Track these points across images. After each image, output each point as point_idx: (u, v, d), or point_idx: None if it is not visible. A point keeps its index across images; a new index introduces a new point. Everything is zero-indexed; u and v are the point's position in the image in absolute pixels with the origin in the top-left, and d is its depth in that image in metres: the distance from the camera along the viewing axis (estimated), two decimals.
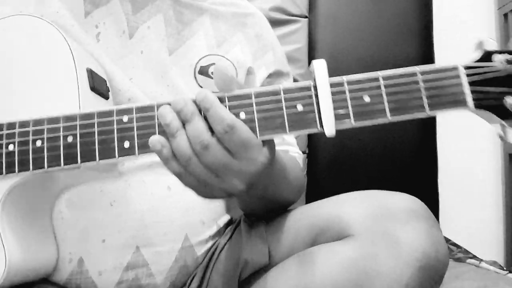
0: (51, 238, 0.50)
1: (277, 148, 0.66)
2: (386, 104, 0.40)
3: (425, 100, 0.40)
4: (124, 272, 0.53)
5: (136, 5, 0.59)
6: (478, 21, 1.48)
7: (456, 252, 1.16)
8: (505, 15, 1.40)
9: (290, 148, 0.69)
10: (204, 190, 0.41)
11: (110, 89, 0.52)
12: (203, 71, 0.61)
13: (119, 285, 0.53)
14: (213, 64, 0.61)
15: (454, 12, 1.47)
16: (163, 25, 0.60)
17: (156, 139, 0.39)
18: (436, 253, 0.45)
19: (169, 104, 0.40)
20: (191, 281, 0.59)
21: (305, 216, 0.55)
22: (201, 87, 0.60)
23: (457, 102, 0.40)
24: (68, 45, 0.45)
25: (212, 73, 0.61)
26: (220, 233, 0.64)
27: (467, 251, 1.18)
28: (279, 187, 0.55)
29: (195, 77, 0.60)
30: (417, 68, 0.41)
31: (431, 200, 1.23)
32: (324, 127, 0.40)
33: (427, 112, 0.40)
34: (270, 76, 0.69)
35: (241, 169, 0.40)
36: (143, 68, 0.57)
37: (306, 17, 1.26)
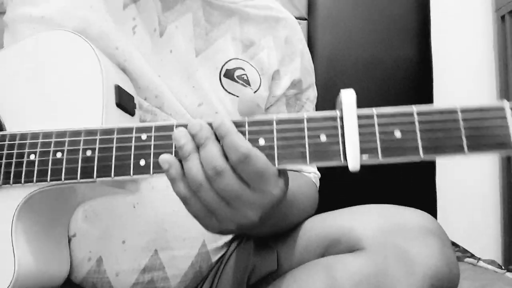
0: (65, 252, 0.50)
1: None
2: (419, 141, 0.37)
3: (464, 141, 0.36)
4: (140, 274, 0.53)
5: (166, 3, 0.59)
6: (475, 22, 1.47)
7: (454, 251, 1.13)
8: (502, 17, 1.39)
9: (304, 167, 0.66)
10: (210, 220, 0.39)
11: (136, 105, 0.52)
12: (229, 74, 0.60)
13: (134, 286, 0.53)
14: (239, 68, 0.61)
15: (452, 14, 1.46)
16: (191, 26, 0.59)
17: (165, 158, 0.38)
18: (449, 272, 0.43)
19: (186, 126, 0.39)
20: (202, 285, 0.59)
21: (316, 227, 0.54)
22: (226, 89, 0.59)
23: (501, 145, 0.36)
24: (98, 61, 0.45)
25: (237, 77, 0.61)
26: (233, 240, 0.63)
27: (465, 250, 1.16)
28: (290, 216, 0.54)
29: (220, 80, 0.59)
30: (457, 106, 0.37)
31: (429, 199, 1.20)
32: (348, 161, 0.37)
33: (466, 153, 0.36)
34: (293, 85, 0.66)
35: (255, 201, 0.38)
36: (171, 67, 0.57)
37: (305, 19, 1.26)
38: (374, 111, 0.38)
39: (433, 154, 0.36)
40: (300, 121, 0.39)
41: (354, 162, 0.37)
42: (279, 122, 0.39)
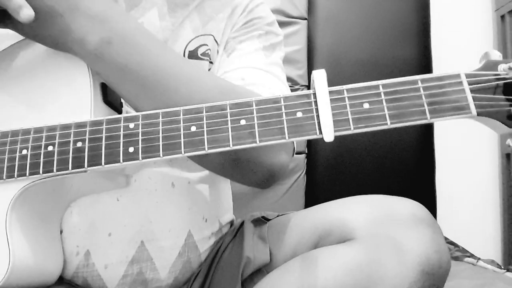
0: (59, 248, 0.51)
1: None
2: (386, 110, 0.40)
3: (426, 107, 0.40)
4: (129, 266, 0.54)
5: (130, 2, 0.59)
6: (475, 22, 1.48)
7: (454, 251, 1.14)
8: (502, 17, 1.40)
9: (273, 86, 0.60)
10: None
11: (123, 103, 0.54)
12: (193, 55, 0.60)
13: (124, 278, 0.54)
14: (202, 45, 0.61)
15: (452, 14, 1.48)
16: (158, 20, 0.60)
17: None
18: (440, 259, 0.44)
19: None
20: (195, 278, 0.60)
21: (308, 219, 0.55)
22: None
23: (459, 109, 0.39)
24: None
25: (201, 54, 0.61)
26: (222, 231, 0.64)
27: (464, 249, 1.16)
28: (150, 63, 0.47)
29: None
30: (418, 77, 0.41)
31: (429, 199, 1.22)
32: (323, 133, 0.40)
33: (428, 119, 0.40)
34: (237, 29, 0.63)
35: None
36: None
37: (305, 19, 1.28)
38: (344, 87, 0.41)
39: (399, 122, 0.40)
40: (278, 101, 0.42)
41: (328, 134, 0.40)
42: (258, 103, 0.42)
